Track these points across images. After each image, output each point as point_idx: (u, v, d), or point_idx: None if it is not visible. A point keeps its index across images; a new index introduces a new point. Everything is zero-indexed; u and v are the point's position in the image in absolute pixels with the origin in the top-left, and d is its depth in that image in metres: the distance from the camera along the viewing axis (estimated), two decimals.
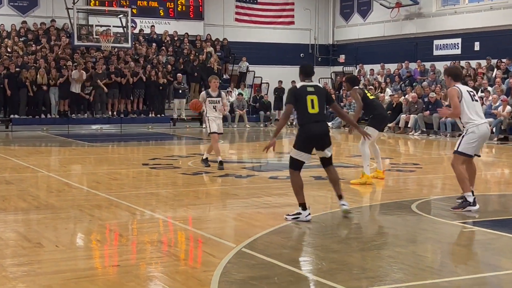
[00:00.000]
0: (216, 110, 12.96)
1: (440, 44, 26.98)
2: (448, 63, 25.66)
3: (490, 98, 21.38)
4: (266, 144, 8.18)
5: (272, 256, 6.37)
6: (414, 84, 25.44)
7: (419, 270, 5.99)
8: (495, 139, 20.02)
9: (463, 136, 8.69)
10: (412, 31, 27.99)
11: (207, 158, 13.15)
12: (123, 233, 7.50)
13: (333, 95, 26.86)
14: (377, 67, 28.65)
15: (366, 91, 11.39)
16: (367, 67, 29.30)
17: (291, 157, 8.06)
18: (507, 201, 10.17)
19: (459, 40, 26.19)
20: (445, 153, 17.21)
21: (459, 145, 8.66)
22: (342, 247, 6.88)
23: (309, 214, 7.97)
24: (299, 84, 8.08)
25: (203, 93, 13.30)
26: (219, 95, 13.01)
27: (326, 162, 8.23)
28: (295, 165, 8.02)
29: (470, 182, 8.75)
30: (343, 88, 28.55)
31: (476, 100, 8.75)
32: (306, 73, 8.17)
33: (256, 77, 30.06)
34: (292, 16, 31.94)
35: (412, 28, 27.98)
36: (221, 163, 12.86)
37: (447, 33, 26.47)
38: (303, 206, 7.97)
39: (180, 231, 7.69)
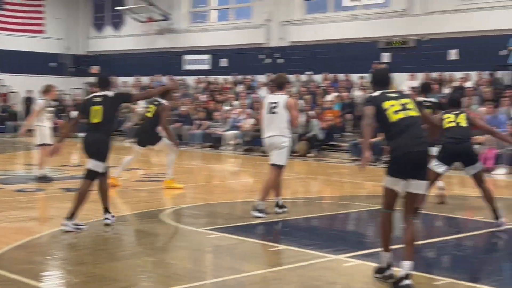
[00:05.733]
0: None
1: (190, 59, 27.77)
2: (197, 77, 26.64)
3: (236, 111, 22.46)
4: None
5: (17, 272, 6.06)
6: None
7: (166, 277, 6.10)
8: (241, 150, 21.06)
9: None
10: (163, 46, 28.44)
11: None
12: None
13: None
14: (131, 79, 28.69)
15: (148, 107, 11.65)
16: (120, 79, 29.20)
17: None
18: (250, 207, 10.74)
19: (207, 56, 27.18)
20: (195, 164, 17.72)
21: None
22: (90, 259, 6.77)
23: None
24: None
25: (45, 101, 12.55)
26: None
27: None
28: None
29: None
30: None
31: (274, 113, 8.87)
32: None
33: (4, 85, 28.45)
34: (42, 25, 30.73)
35: (164, 43, 28.44)
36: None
37: (197, 49, 27.33)
38: None
39: None
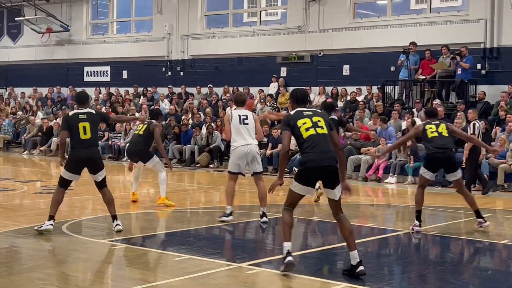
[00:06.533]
0: None
1: (91, 71, 27.24)
2: (98, 89, 26.12)
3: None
4: None
5: None
6: (63, 108, 25.10)
7: None
8: None
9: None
10: (63, 57, 27.74)
11: None
12: None
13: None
14: (29, 90, 27.81)
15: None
16: (18, 90, 28.28)
17: None
18: (153, 218, 10.64)
19: (108, 68, 26.75)
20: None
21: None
22: None
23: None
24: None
25: None
26: None
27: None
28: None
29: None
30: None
31: (246, 124, 9.50)
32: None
33: None
34: None
35: (63, 54, 27.73)
36: None
37: (97, 61, 26.84)
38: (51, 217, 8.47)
39: None
